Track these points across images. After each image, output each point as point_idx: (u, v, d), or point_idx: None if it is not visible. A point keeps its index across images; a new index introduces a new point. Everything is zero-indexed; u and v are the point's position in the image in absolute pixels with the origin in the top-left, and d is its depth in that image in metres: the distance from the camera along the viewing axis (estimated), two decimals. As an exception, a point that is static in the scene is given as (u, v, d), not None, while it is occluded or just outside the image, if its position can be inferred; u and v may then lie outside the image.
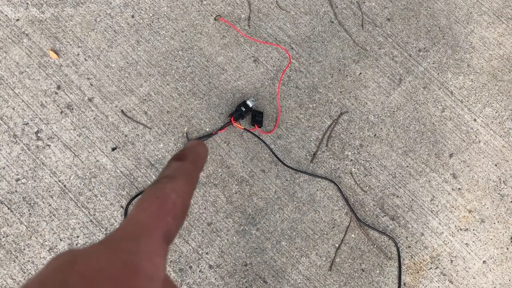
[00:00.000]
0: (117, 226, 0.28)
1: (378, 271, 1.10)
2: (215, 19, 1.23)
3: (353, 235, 1.12)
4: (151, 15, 1.21)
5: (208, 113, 1.15)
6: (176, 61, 1.18)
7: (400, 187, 1.17)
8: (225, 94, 1.18)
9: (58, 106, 1.11)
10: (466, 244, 1.16)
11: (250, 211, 1.10)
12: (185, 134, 1.12)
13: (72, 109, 1.11)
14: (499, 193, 1.20)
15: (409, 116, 1.23)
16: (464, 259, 1.14)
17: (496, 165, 1.22)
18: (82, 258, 0.21)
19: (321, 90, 1.22)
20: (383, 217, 1.14)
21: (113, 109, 1.12)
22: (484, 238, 1.17)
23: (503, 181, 1.21)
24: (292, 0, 1.28)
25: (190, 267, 1.05)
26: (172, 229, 0.26)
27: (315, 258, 1.09)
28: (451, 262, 1.14)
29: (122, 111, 1.12)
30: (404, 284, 1.10)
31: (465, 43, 1.32)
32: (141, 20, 1.20)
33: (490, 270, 1.15)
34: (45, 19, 1.16)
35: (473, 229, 1.17)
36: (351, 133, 1.20)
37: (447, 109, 1.25)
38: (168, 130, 1.13)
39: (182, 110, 1.15)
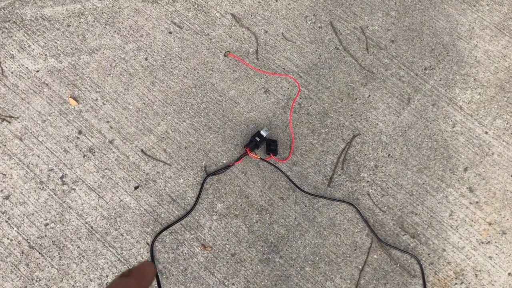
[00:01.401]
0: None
1: (403, 290, 1.11)
2: (224, 55, 1.28)
3: (375, 256, 1.13)
4: (163, 56, 1.26)
5: (224, 146, 1.19)
6: (190, 98, 1.23)
7: (418, 205, 1.19)
8: (239, 126, 1.21)
9: (80, 150, 1.15)
10: (489, 257, 1.16)
11: (272, 239, 1.12)
12: (203, 168, 1.16)
13: (94, 152, 1.16)
14: (517, 204, 1.21)
15: (420, 134, 1.26)
16: (488, 272, 1.15)
17: (512, 176, 1.24)
18: None
19: (332, 115, 1.25)
20: (403, 235, 1.16)
21: (133, 149, 1.17)
22: (507, 250, 1.17)
23: (521, 191, 1.22)
24: (297, 31, 1.33)
25: (218, 298, 1.07)
26: None
27: (339, 282, 1.11)
28: (476, 276, 1.14)
29: (142, 150, 1.16)
30: (431, 301, 1.11)
31: (470, 58, 1.35)
32: (155, 62, 1.25)
33: (516, 282, 1.15)
34: (63, 68, 1.22)
35: (495, 242, 1.17)
36: (365, 155, 1.22)
37: (457, 124, 1.27)
38: (187, 165, 1.16)
39: (199, 145, 1.18)
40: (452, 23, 1.38)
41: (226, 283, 1.08)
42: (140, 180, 1.14)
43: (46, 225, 1.09)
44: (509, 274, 1.15)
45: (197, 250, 1.10)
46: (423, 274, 1.13)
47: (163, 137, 1.18)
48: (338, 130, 1.24)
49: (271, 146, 1.18)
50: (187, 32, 1.29)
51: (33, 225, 1.08)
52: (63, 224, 1.09)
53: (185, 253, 1.09)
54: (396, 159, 1.23)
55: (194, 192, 1.14)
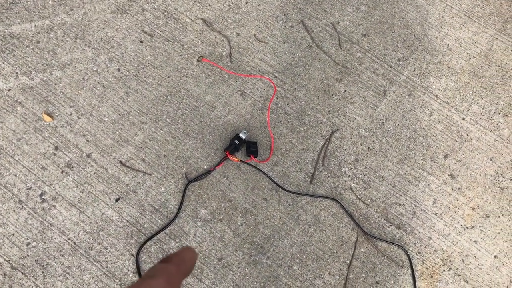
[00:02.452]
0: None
1: (392, 281, 1.11)
2: (198, 60, 1.27)
3: (362, 250, 1.13)
4: (136, 66, 1.25)
5: (204, 151, 1.18)
6: (166, 106, 1.22)
7: (401, 195, 1.19)
8: (217, 131, 1.21)
9: (58, 166, 1.14)
10: (474, 241, 1.17)
11: (258, 240, 1.12)
12: (184, 175, 1.15)
13: (72, 167, 1.14)
14: (498, 187, 1.22)
15: (398, 124, 1.26)
16: (475, 257, 1.15)
17: (491, 160, 1.25)
18: None
19: (309, 113, 1.25)
20: (389, 227, 1.16)
21: (111, 161, 1.15)
22: (491, 233, 1.18)
23: (501, 174, 1.23)
24: (269, 31, 1.33)
25: (207, 305, 1.06)
26: None
27: (328, 278, 1.10)
28: (463, 261, 1.15)
29: (120, 162, 1.15)
30: (420, 290, 1.11)
31: (442, 47, 1.36)
32: (127, 72, 1.24)
33: (503, 264, 1.15)
34: (35, 85, 1.21)
35: (479, 226, 1.18)
36: (345, 150, 1.22)
37: (434, 113, 1.28)
38: (168, 173, 1.15)
39: (178, 152, 1.18)
40: (422, 13, 1.40)
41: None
42: (121, 192, 1.13)
43: (28, 244, 1.07)
44: (495, 256, 1.16)
45: (183, 257, 1.09)
46: (411, 263, 1.13)
47: (141, 147, 1.17)
48: (317, 127, 1.24)
49: (251, 148, 1.17)
50: (159, 40, 1.29)
51: (14, 246, 1.07)
52: (45, 242, 1.07)
53: (171, 261, 1.08)
54: (376, 151, 1.23)
55: (176, 200, 1.13)
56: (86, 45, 1.26)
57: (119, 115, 1.20)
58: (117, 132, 1.18)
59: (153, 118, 1.20)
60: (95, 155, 1.16)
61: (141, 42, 1.28)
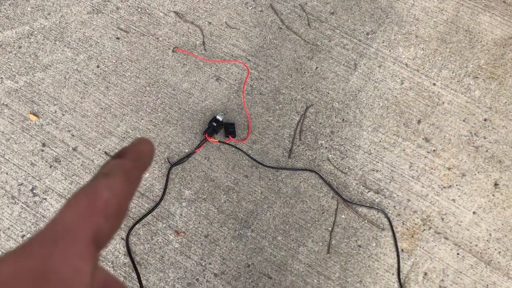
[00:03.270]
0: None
1: (374, 244, 1.15)
2: (173, 51, 1.33)
3: (343, 216, 1.18)
4: (114, 61, 1.31)
5: (184, 136, 1.23)
6: (145, 96, 1.27)
7: (378, 162, 1.23)
8: (196, 116, 1.26)
9: (46, 161, 1.20)
10: (452, 200, 1.20)
11: (242, 215, 1.17)
12: (166, 160, 1.20)
13: (60, 161, 1.20)
14: (473, 146, 1.26)
15: (371, 95, 1.30)
16: (454, 214, 1.19)
17: (464, 121, 1.28)
18: None
19: (283, 91, 1.30)
20: (367, 193, 1.20)
21: (97, 152, 1.21)
22: (468, 190, 1.22)
23: (474, 134, 1.27)
24: (239, 18, 1.38)
25: (197, 279, 1.10)
26: (104, 230, 0.23)
27: (312, 245, 1.15)
28: (442, 220, 1.18)
29: (105, 152, 1.21)
30: (402, 250, 1.15)
31: (409, 17, 1.40)
32: (106, 68, 1.30)
33: (482, 219, 1.19)
34: (20, 88, 1.27)
35: (456, 185, 1.22)
36: (320, 123, 1.27)
37: (405, 81, 1.32)
38: (151, 159, 1.21)
39: (160, 139, 1.23)
40: (387, -13, 1.44)
41: (203, 264, 1.12)
42: (107, 180, 1.18)
43: (23, 236, 1.13)
44: (473, 213, 1.19)
45: (171, 237, 1.14)
46: (391, 225, 1.17)
47: (124, 137, 1.23)
48: (292, 104, 1.29)
49: (229, 129, 1.22)
50: (134, 35, 1.35)
51: (10, 239, 1.12)
52: (39, 234, 1.13)
53: (160, 241, 1.13)
54: (351, 122, 1.28)
55: (161, 184, 1.18)
56: (65, 46, 1.32)
57: (101, 109, 1.26)
58: (101, 125, 1.24)
59: (133, 109, 1.26)
60: (80, 148, 1.21)
61: (118, 38, 1.34)
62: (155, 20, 1.37)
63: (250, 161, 1.21)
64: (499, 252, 1.16)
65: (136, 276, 1.09)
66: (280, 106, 1.28)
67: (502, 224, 1.19)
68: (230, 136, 1.21)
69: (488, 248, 1.16)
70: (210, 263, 1.12)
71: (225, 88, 1.30)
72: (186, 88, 1.29)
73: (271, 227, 1.16)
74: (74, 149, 1.21)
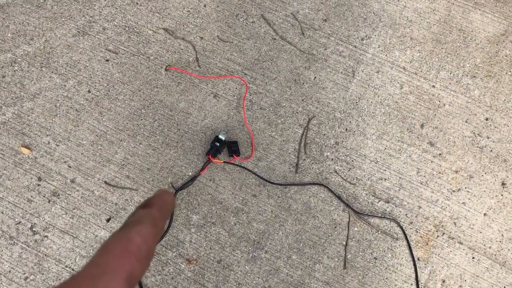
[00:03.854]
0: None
1: (390, 255, 1.14)
2: (165, 69, 1.28)
3: (356, 229, 1.15)
4: (105, 85, 1.25)
5: (186, 158, 1.19)
6: (141, 119, 1.22)
7: (385, 170, 1.22)
8: (196, 136, 1.22)
9: (44, 196, 1.14)
10: (463, 203, 1.20)
11: (253, 237, 1.13)
12: (170, 185, 1.16)
13: (58, 195, 1.14)
14: (477, 146, 1.25)
15: (372, 102, 1.28)
16: (465, 218, 1.18)
17: (466, 122, 1.28)
18: None
19: (284, 104, 1.27)
20: (378, 202, 1.18)
21: (96, 183, 1.15)
22: (477, 192, 1.21)
23: (478, 134, 1.26)
24: (231, 31, 1.34)
25: (214, 308, 1.07)
26: (136, 271, 0.27)
27: (328, 262, 1.12)
28: (455, 224, 1.17)
29: (105, 182, 1.15)
30: (418, 259, 1.14)
31: (402, 19, 1.39)
32: (98, 93, 1.24)
33: (493, 220, 1.18)
34: (8, 120, 1.20)
35: (465, 187, 1.21)
36: (324, 135, 1.24)
37: (405, 85, 1.30)
38: (154, 186, 1.16)
39: (161, 163, 1.18)
40: (378, -10, 1.42)
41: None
42: (111, 212, 1.13)
43: (26, 278, 1.07)
44: (484, 214, 1.19)
45: (183, 266, 1.10)
46: (405, 234, 1.15)
47: (123, 164, 1.17)
48: (293, 117, 1.26)
49: (233, 148, 1.18)
50: (124, 56, 1.29)
51: (12, 283, 1.06)
52: (43, 274, 1.07)
53: (171, 272, 1.09)
54: (354, 131, 1.25)
55: (167, 210, 1.13)
56: (52, 72, 1.26)
57: (97, 136, 1.20)
58: (98, 153, 1.18)
59: (130, 133, 1.21)
60: (79, 179, 1.16)
61: (107, 60, 1.28)
62: (145, 39, 1.32)
63: (257, 180, 1.18)
64: (513, 252, 1.16)
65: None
66: (282, 119, 1.25)
67: (513, 224, 1.18)
68: (234, 155, 1.18)
69: (502, 249, 1.16)
70: (225, 290, 1.08)
71: (224, 105, 1.26)
72: (183, 107, 1.25)
73: (284, 247, 1.13)
74: (72, 181, 1.15)
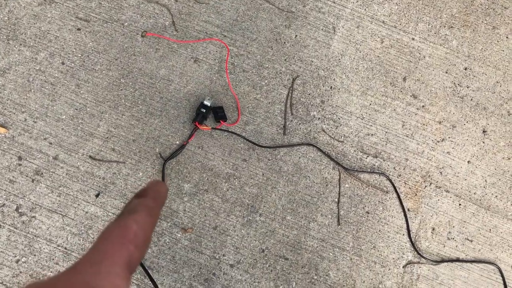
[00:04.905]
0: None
1: (381, 208, 1.16)
2: (142, 36, 1.23)
3: (347, 185, 1.17)
4: (80, 55, 1.19)
5: (172, 127, 1.16)
6: (121, 89, 1.18)
7: (371, 125, 1.22)
8: (180, 103, 1.18)
9: (27, 176, 1.09)
10: (447, 153, 1.22)
11: (247, 201, 1.13)
12: (158, 155, 1.13)
13: (42, 173, 1.10)
14: (458, 96, 1.27)
15: (354, 58, 1.28)
16: (450, 167, 1.21)
17: (446, 72, 1.29)
18: (46, 285, 0.24)
19: (267, 65, 1.24)
20: (366, 158, 1.19)
21: (81, 158, 1.11)
22: (460, 141, 1.24)
23: (458, 84, 1.28)
24: (207, -9, 1.29)
25: (214, 274, 1.07)
26: (134, 257, 0.28)
27: (322, 219, 1.13)
28: (441, 173, 1.20)
29: (90, 156, 1.12)
30: (408, 210, 1.16)
31: (378, -28, 1.37)
32: (73, 64, 1.18)
33: (476, 167, 1.22)
34: (-21, 98, 1.13)
35: (449, 137, 1.24)
36: (309, 94, 1.23)
37: (385, 39, 1.30)
38: (141, 157, 1.13)
39: (146, 134, 1.15)
40: None
41: (217, 257, 1.08)
42: (99, 187, 1.10)
43: (17, 261, 1.03)
44: (468, 162, 1.22)
45: (179, 235, 1.09)
46: (394, 187, 1.18)
47: (107, 137, 1.14)
48: (277, 78, 1.24)
49: (219, 113, 1.16)
50: (96, 23, 1.23)
51: (3, 266, 1.03)
52: (34, 255, 1.04)
53: (168, 242, 1.08)
54: (339, 89, 1.25)
55: (157, 181, 1.11)
56: (21, 44, 1.18)
57: (76, 109, 1.15)
58: (79, 127, 1.14)
59: (111, 105, 1.16)
60: (62, 156, 1.11)
61: (79, 29, 1.21)
62: (116, 4, 1.25)
63: (246, 144, 1.17)
64: (496, 196, 1.20)
65: (150, 282, 1.04)
66: (266, 81, 1.23)
67: (495, 169, 1.23)
68: (221, 121, 1.16)
69: (486, 194, 1.20)
70: (224, 255, 1.08)
71: (206, 69, 1.22)
72: (164, 74, 1.20)
73: (278, 208, 1.13)
74: (55, 158, 1.11)
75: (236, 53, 1.24)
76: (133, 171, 1.12)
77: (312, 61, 1.26)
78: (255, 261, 1.09)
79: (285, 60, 1.26)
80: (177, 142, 1.15)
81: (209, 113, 1.16)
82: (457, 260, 1.14)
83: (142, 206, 0.31)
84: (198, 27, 1.26)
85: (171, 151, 1.14)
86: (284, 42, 1.27)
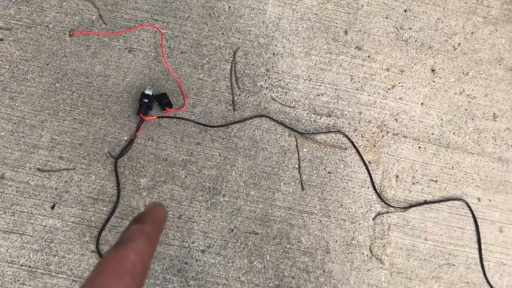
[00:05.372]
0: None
1: (342, 166, 1.15)
2: (70, 35, 1.17)
3: (305, 149, 1.15)
4: (8, 67, 1.14)
5: (118, 123, 1.12)
6: (58, 94, 1.13)
7: (320, 85, 1.20)
8: (122, 97, 1.14)
9: (-25, 201, 1.05)
10: (400, 98, 1.22)
11: (208, 184, 1.11)
12: (108, 154, 1.10)
13: (-9, 195, 1.05)
14: (402, 40, 1.26)
15: (292, 19, 1.25)
16: (405, 112, 1.21)
17: (387, 18, 1.27)
18: None
19: (205, 42, 1.21)
20: (320, 119, 1.18)
21: (29, 172, 1.07)
22: (411, 84, 1.23)
23: (400, 28, 1.27)
24: (129, -23, 1.24)
25: (186, 263, 1.05)
26: None
27: (285, 188, 1.12)
28: (396, 120, 1.20)
29: (38, 169, 1.08)
30: (369, 162, 1.16)
31: None
32: (2, 77, 1.13)
33: (430, 107, 1.22)
34: None
35: (399, 83, 1.23)
36: (253, 65, 1.20)
37: (320, -6, 1.27)
38: (91, 160, 1.09)
39: (92, 135, 1.11)
40: None
41: (186, 245, 1.06)
42: (53, 198, 1.06)
43: (-17, 289, 1.00)
44: (421, 104, 1.22)
45: (144, 231, 1.06)
46: (352, 142, 1.17)
47: (52, 146, 1.09)
48: (218, 54, 1.20)
49: (163, 100, 1.12)
50: (19, 30, 1.16)
51: (-31, 297, 1.00)
52: None
53: (134, 240, 1.06)
54: (282, 54, 1.22)
55: (112, 182, 1.08)
56: None
57: (14, 123, 1.10)
58: (21, 141, 1.09)
59: (51, 112, 1.12)
60: (9, 174, 1.07)
61: (1, 40, 1.15)
62: (37, 7, 1.19)
63: (197, 127, 1.14)
64: (454, 132, 1.20)
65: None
66: (207, 59, 1.19)
67: (449, 106, 1.22)
68: (166, 108, 1.12)
69: (444, 133, 1.20)
70: (193, 242, 1.07)
71: (142, 57, 1.18)
72: (100, 71, 1.16)
73: (241, 185, 1.11)
74: (2, 177, 1.07)
75: (171, 35, 1.20)
76: (85, 176, 1.08)
77: (250, 30, 1.23)
78: (225, 242, 1.08)
79: (222, 34, 1.22)
80: (125, 138, 1.12)
81: (153, 102, 1.12)
82: (425, 202, 1.14)
83: (140, 233, 0.30)
84: (127, 16, 1.21)
85: (121, 148, 1.11)
86: (219, 16, 1.23)
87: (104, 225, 1.05)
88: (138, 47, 1.18)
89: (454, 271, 1.10)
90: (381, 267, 1.09)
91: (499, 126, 1.22)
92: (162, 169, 1.10)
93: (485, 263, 1.11)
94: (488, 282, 1.10)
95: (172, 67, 1.17)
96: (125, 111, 1.13)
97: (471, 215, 1.14)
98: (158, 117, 1.12)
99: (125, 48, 1.18)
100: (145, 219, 0.32)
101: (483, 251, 1.12)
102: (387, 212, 1.13)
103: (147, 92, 1.10)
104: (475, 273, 1.10)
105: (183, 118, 1.13)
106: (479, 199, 1.16)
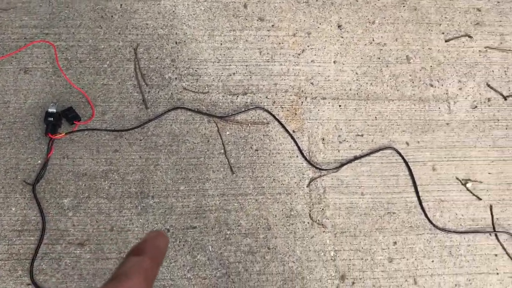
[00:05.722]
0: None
1: (268, 141, 1.14)
2: (-43, 68, 1.11)
3: (228, 132, 1.13)
4: None
5: (28, 148, 1.07)
6: (-42, 132, 1.07)
7: (230, 64, 1.18)
8: (26, 121, 1.09)
9: None
10: (312, 61, 1.20)
11: (134, 189, 1.07)
12: (24, 183, 1.05)
13: None
14: (303, 2, 1.24)
15: (188, 4, 1.21)
16: (319, 73, 1.20)
17: (284, -17, 1.25)
18: None
19: (102, 46, 1.16)
20: (237, 98, 1.16)
21: None
22: (320, 45, 1.22)
23: (299, -10, 1.25)
24: (8, -6, 1.17)
25: (128, 273, 1.02)
26: None
27: (215, 175, 1.10)
28: (312, 84, 1.19)
29: (-48, 214, 1.02)
30: (294, 131, 1.15)
31: None
32: None
33: (343, 64, 1.21)
34: None
35: (308, 46, 1.21)
36: (157, 58, 1.16)
37: (212, -27, 1.23)
38: (7, 192, 1.04)
39: (3, 166, 1.06)
40: None
41: (124, 256, 1.03)
42: (-25, 240, 1.01)
43: None
44: (334, 62, 1.21)
45: (78, 251, 1.03)
46: (273, 115, 1.15)
47: (-38, 187, 1.04)
48: (118, 55, 1.16)
49: (69, 115, 1.08)
50: None
51: None
52: None
53: (69, 263, 1.02)
54: (185, 41, 1.19)
55: (34, 209, 1.04)
56: None
57: None
58: None
59: (-46, 152, 1.06)
60: None
61: None
62: None
63: (111, 134, 1.10)
64: (371, 83, 1.20)
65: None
66: (108, 62, 1.15)
67: (361, 58, 1.22)
68: (74, 122, 1.08)
69: (361, 86, 1.20)
70: (131, 251, 1.04)
71: (40, 76, 1.12)
72: (-2, 99, 1.10)
73: (168, 183, 1.09)
74: None
75: (66, 46, 1.15)
76: (4, 209, 1.03)
77: (147, 24, 1.19)
78: (164, 243, 1.05)
79: (119, 33, 1.17)
80: (39, 162, 1.07)
81: (59, 119, 1.07)
82: (355, 158, 1.14)
83: (137, 269, 0.27)
84: (14, 36, 1.14)
85: (36, 173, 1.06)
86: (112, 16, 1.18)
87: (35, 255, 1.01)
88: (33, 66, 1.13)
89: (395, 218, 1.11)
90: (324, 231, 1.09)
91: (414, 67, 1.23)
92: (83, 184, 1.06)
93: (424, 204, 1.12)
94: (430, 221, 1.11)
95: (73, 78, 1.12)
96: (33, 134, 1.08)
97: (402, 160, 1.15)
98: (66, 133, 1.07)
99: (20, 70, 1.12)
100: (144, 250, 0.29)
101: (420, 193, 1.13)
102: (320, 176, 1.12)
103: (50, 110, 1.06)
104: (416, 215, 1.12)
105: (94, 129, 1.09)
106: (407, 143, 1.17)
